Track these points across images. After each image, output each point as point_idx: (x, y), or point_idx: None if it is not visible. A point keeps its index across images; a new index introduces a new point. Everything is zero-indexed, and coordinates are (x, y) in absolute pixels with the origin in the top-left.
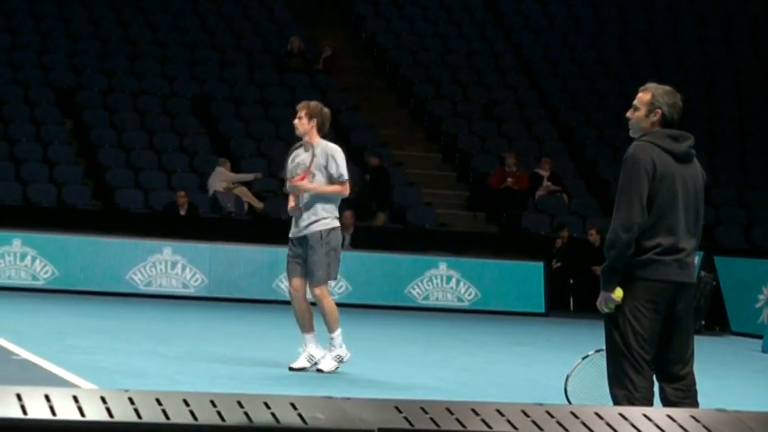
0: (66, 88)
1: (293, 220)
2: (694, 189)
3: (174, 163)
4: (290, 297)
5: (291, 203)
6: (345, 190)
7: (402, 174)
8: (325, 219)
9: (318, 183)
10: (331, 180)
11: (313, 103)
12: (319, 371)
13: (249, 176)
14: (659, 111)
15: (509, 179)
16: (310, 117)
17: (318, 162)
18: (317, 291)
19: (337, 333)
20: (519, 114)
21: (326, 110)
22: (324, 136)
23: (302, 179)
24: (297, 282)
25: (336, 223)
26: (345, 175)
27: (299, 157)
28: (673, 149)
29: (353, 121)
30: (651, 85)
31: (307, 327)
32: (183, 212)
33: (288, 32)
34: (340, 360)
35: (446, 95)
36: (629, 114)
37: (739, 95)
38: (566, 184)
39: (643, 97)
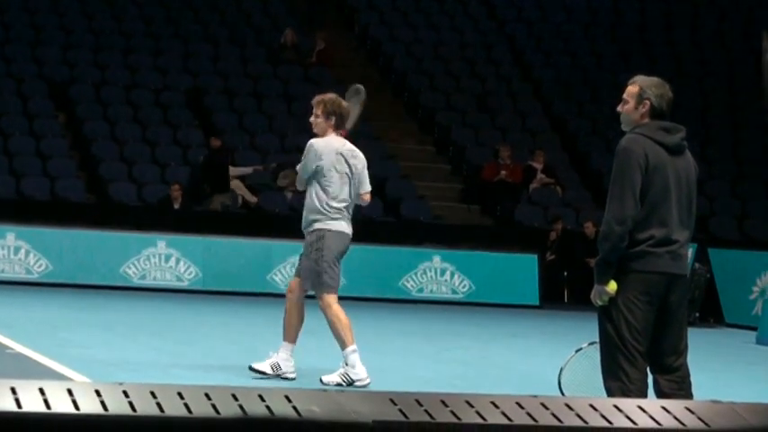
0: (59, 81)
1: None
2: (687, 181)
3: (168, 156)
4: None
5: None
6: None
7: (396, 166)
8: (317, 221)
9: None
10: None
11: (329, 98)
12: (320, 380)
13: (248, 170)
14: (648, 102)
15: (503, 172)
16: (327, 115)
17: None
18: (320, 301)
19: (348, 350)
20: (512, 106)
21: (345, 103)
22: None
23: None
24: (293, 282)
25: (329, 226)
26: (301, 171)
27: None
28: (665, 141)
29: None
30: (639, 78)
31: (288, 335)
32: (177, 206)
33: (281, 25)
34: (349, 381)
35: (439, 87)
36: (619, 108)
37: (732, 87)
38: (559, 177)
39: (631, 90)
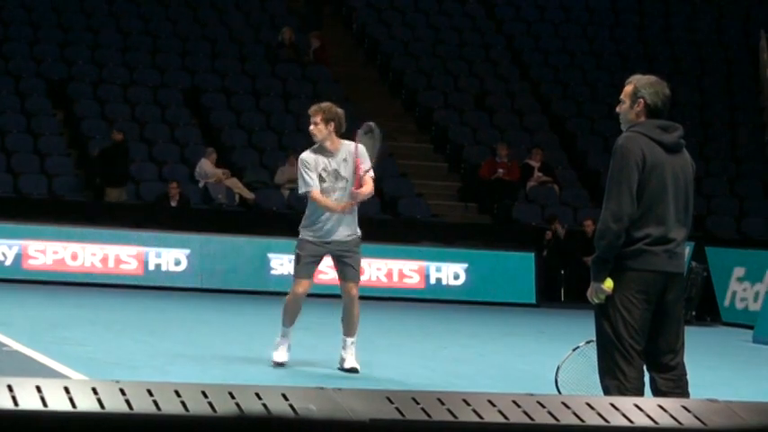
0: (57, 79)
1: (324, 224)
2: (684, 179)
3: (165, 154)
4: (294, 297)
5: (342, 205)
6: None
7: (394, 164)
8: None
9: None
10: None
11: (326, 105)
12: (354, 370)
13: (219, 172)
14: (641, 100)
15: (500, 170)
16: (327, 121)
17: (349, 167)
18: (357, 290)
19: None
20: (510, 105)
21: (341, 110)
22: (341, 136)
23: (358, 188)
24: (308, 284)
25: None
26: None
27: (325, 164)
28: (662, 140)
29: (344, 112)
30: (635, 77)
31: (294, 321)
32: (174, 204)
33: (279, 23)
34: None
35: (437, 86)
36: (617, 109)
37: (730, 85)
38: (557, 175)
39: (627, 89)
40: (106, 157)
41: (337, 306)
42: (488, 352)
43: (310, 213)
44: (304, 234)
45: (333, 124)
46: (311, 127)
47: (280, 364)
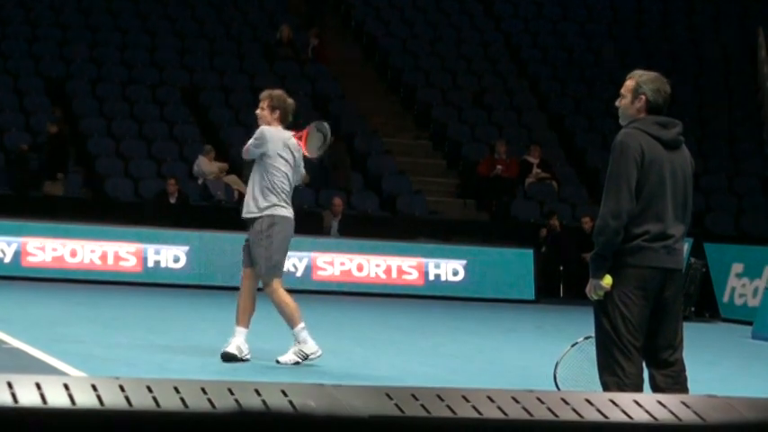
0: (55, 77)
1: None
2: (683, 176)
3: (164, 152)
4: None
5: None
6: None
7: (392, 162)
8: (266, 207)
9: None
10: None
11: (276, 93)
12: (276, 361)
13: (216, 167)
14: (643, 96)
15: (499, 167)
16: (273, 108)
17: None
18: (268, 289)
19: (298, 328)
20: (508, 102)
21: (290, 100)
22: (287, 127)
23: None
24: (244, 272)
25: (278, 212)
26: (247, 153)
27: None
28: (661, 136)
29: (343, 110)
30: (636, 72)
31: (247, 321)
32: (172, 201)
33: (277, 21)
34: (304, 356)
35: (435, 83)
36: (617, 103)
37: (728, 82)
38: (555, 172)
39: (628, 84)
40: (49, 151)
41: (334, 304)
42: (487, 348)
43: None
44: None
45: (278, 112)
46: (257, 110)
47: (231, 357)
